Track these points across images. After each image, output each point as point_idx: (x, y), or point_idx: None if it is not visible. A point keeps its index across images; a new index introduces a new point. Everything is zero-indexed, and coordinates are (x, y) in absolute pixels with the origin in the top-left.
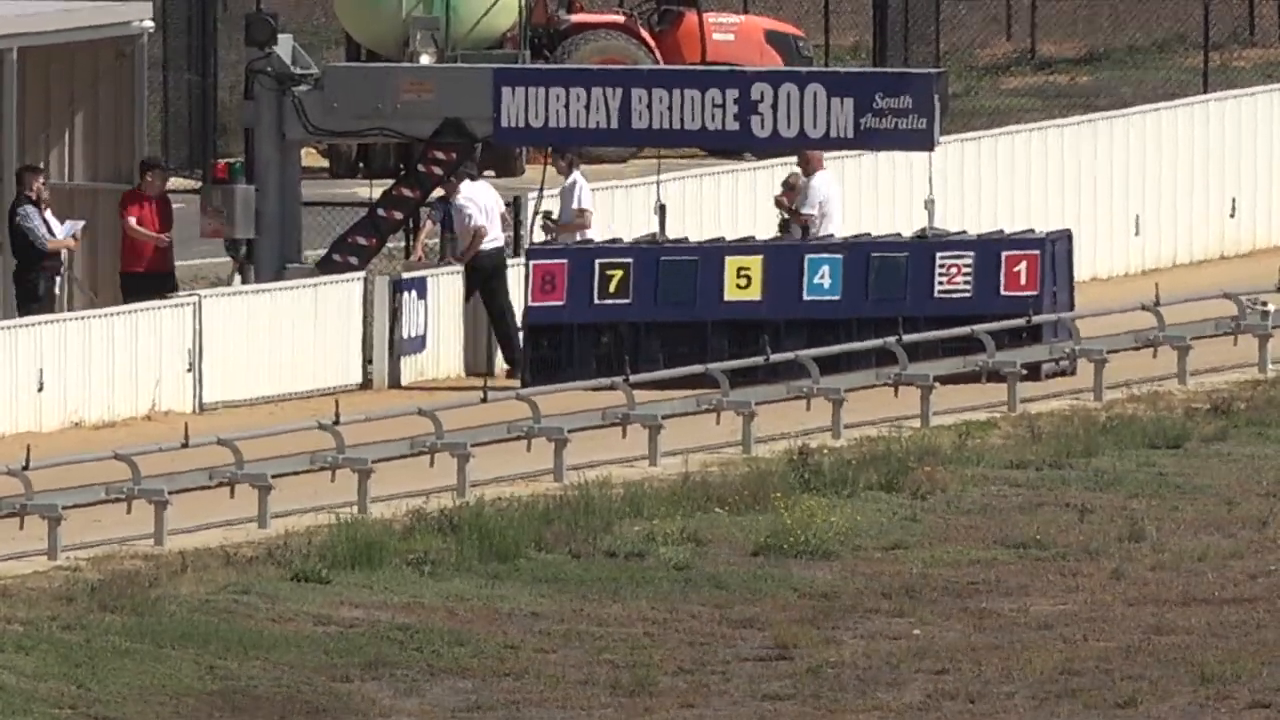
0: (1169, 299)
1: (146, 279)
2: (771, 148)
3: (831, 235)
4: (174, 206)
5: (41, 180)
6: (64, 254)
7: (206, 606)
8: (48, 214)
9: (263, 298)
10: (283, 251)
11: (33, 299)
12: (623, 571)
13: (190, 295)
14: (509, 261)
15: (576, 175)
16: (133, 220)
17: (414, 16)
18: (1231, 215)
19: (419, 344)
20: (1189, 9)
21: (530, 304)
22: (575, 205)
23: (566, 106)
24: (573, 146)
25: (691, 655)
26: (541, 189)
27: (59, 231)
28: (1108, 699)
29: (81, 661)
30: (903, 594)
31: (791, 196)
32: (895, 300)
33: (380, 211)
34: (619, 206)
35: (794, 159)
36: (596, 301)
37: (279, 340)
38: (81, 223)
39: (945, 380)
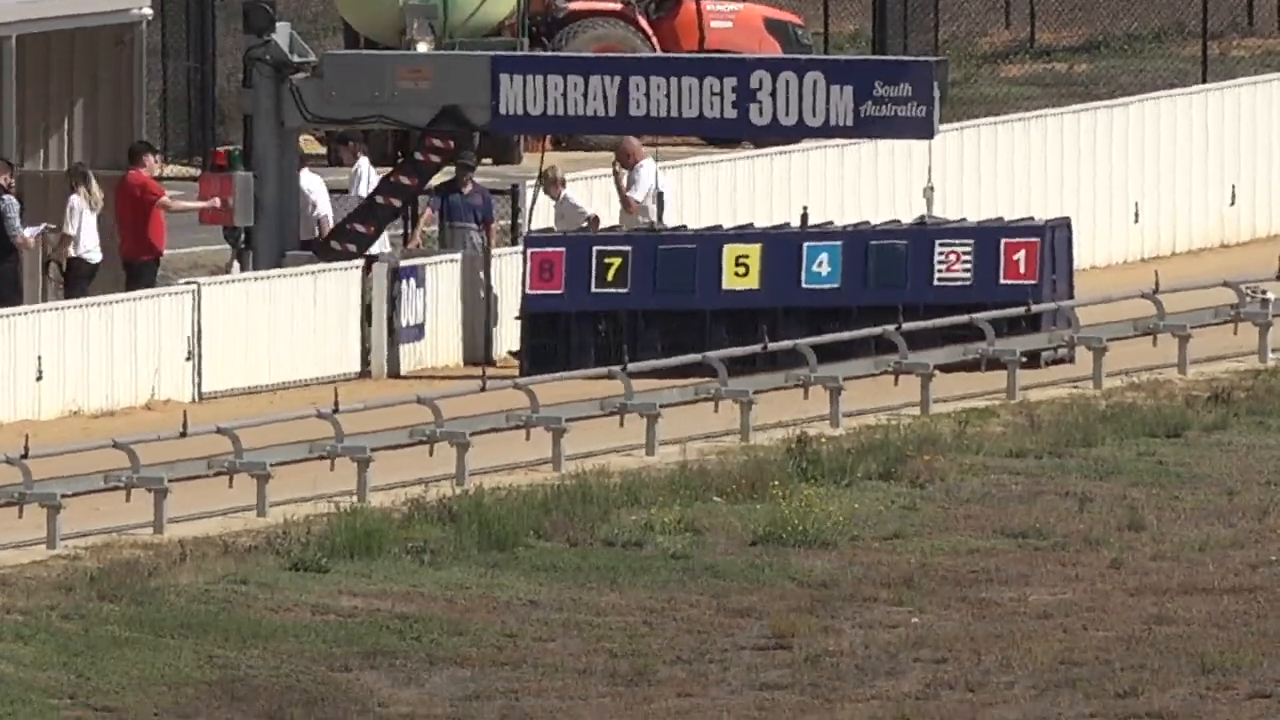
0: (1168, 287)
1: (155, 265)
2: (770, 136)
3: (653, 224)
4: (173, 194)
5: (10, 175)
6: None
7: (205, 596)
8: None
9: (261, 286)
10: (281, 239)
11: (8, 291)
12: (621, 560)
13: (189, 284)
14: (510, 250)
15: (362, 161)
16: (171, 197)
17: (411, 4)
18: (1231, 204)
19: (418, 332)
20: None
21: (528, 292)
22: (355, 194)
23: (564, 94)
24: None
25: (690, 644)
26: (540, 177)
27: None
28: (1108, 689)
29: (80, 651)
30: (901, 583)
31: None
32: (895, 288)
33: (378, 199)
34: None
35: (792, 146)
36: (594, 290)
37: (278, 329)
38: (46, 226)
39: (944, 368)
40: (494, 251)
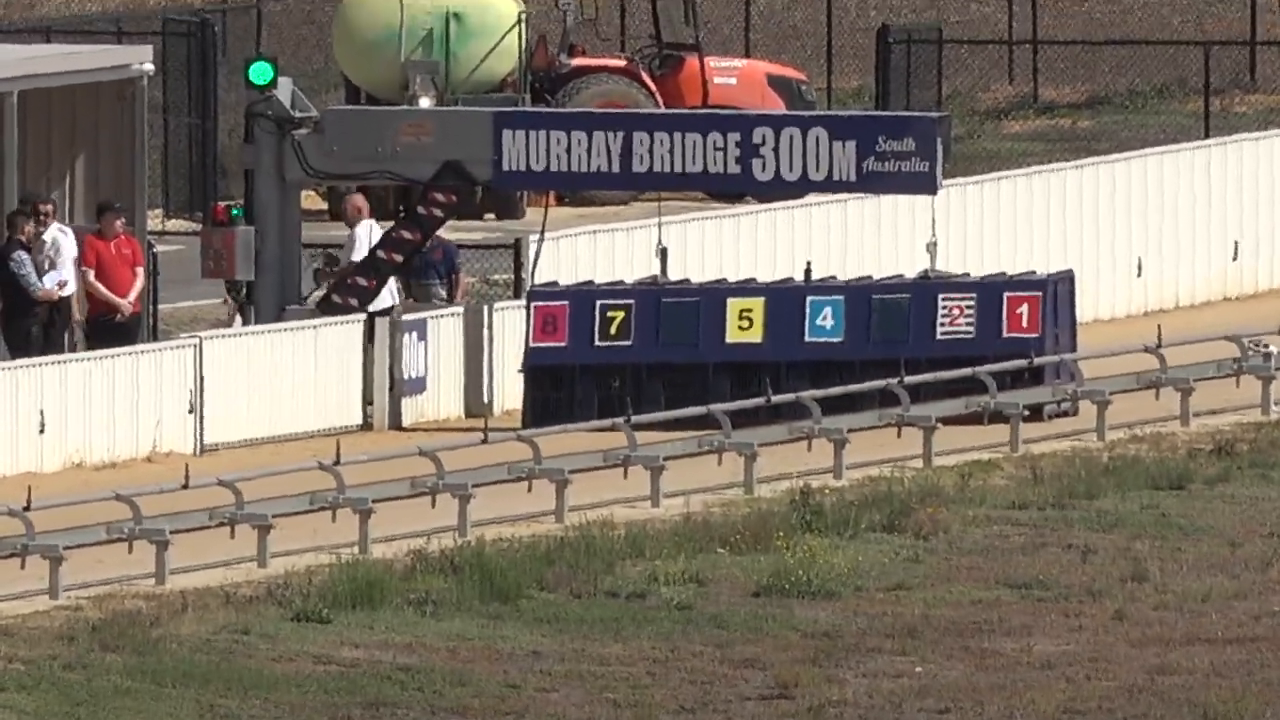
0: (1171, 340)
1: (116, 326)
2: (773, 191)
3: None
4: (174, 248)
5: (33, 224)
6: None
7: (207, 646)
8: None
9: (263, 339)
10: (282, 293)
11: (23, 345)
12: (624, 611)
13: (191, 337)
14: (513, 303)
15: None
16: (91, 275)
17: (413, 60)
18: (1234, 258)
19: (419, 385)
20: (1190, 54)
21: (531, 345)
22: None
23: (567, 150)
24: None
25: (693, 695)
26: (543, 231)
27: (45, 280)
28: None
29: (82, 701)
30: (905, 634)
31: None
32: (897, 342)
33: (380, 253)
34: (620, 249)
35: (796, 200)
36: (598, 343)
37: (279, 381)
38: (63, 274)
39: (947, 421)
40: (497, 305)
